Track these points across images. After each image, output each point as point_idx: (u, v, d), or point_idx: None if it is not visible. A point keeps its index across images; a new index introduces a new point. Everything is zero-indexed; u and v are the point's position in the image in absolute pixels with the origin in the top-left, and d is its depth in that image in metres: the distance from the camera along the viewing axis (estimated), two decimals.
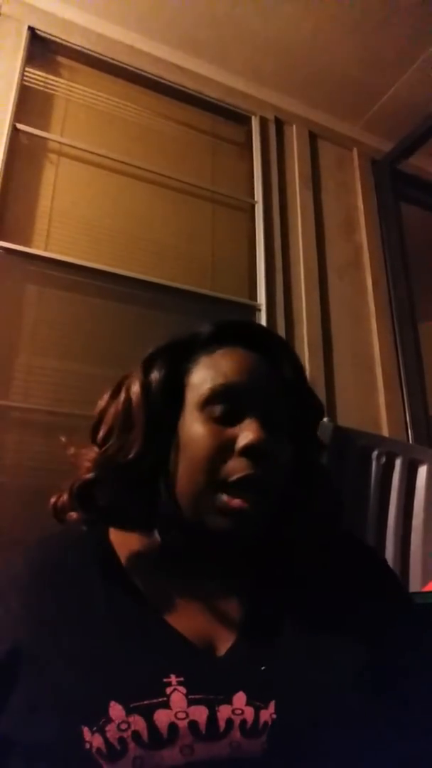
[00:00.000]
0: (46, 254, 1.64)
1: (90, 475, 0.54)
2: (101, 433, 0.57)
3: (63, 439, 0.58)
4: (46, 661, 0.46)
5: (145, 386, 0.55)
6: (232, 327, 0.59)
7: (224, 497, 0.50)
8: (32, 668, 0.46)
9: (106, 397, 0.59)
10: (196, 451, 0.52)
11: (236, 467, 0.51)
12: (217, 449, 0.52)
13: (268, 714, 0.42)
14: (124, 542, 0.56)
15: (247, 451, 0.51)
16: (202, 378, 0.55)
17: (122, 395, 0.57)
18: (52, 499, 0.57)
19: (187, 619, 0.50)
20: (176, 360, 0.57)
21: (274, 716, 0.42)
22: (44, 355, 1.56)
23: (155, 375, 0.56)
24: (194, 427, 0.53)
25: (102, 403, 0.59)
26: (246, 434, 0.51)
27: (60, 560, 0.55)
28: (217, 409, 0.53)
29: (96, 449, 0.56)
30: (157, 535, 0.53)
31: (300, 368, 0.59)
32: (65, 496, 0.56)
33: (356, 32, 2.00)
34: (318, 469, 0.61)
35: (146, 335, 1.67)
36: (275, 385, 0.56)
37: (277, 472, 0.53)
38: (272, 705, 0.43)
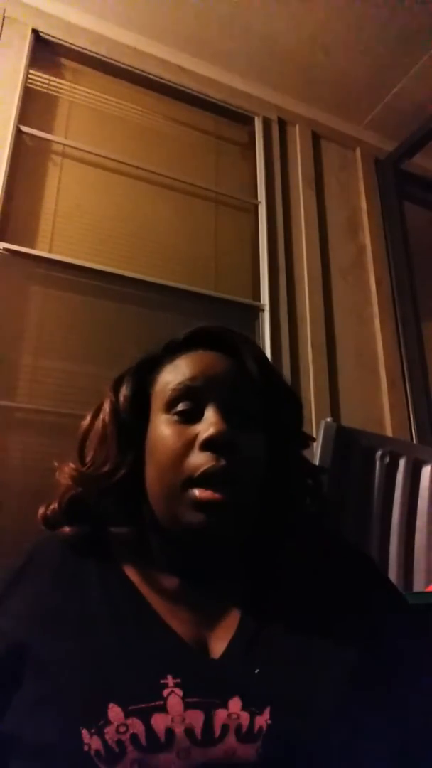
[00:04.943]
0: (51, 256, 1.65)
1: (74, 491, 0.57)
2: (84, 452, 0.60)
3: (56, 463, 0.60)
4: (49, 660, 0.46)
5: (114, 404, 0.59)
6: (194, 333, 0.61)
7: (196, 492, 0.51)
8: (35, 667, 0.46)
9: (88, 418, 0.61)
10: (162, 452, 0.54)
11: (200, 461, 0.51)
12: (181, 447, 0.53)
13: (263, 720, 0.42)
14: (122, 545, 0.57)
15: (208, 444, 0.51)
16: (165, 382, 0.58)
17: (99, 415, 0.60)
18: (41, 510, 0.58)
19: (183, 622, 0.50)
20: (143, 375, 0.61)
21: (270, 722, 0.42)
22: (49, 357, 1.57)
23: (124, 392, 0.60)
24: (159, 430, 0.55)
25: (84, 423, 0.61)
26: (206, 428, 0.52)
27: (60, 559, 0.56)
28: (180, 408, 0.55)
29: (72, 465, 0.58)
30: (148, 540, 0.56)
31: (263, 361, 0.59)
32: (55, 506, 0.58)
33: (359, 32, 2.00)
34: (302, 466, 0.60)
35: (150, 336, 1.67)
36: (239, 380, 0.57)
37: (248, 463, 0.53)
38: (267, 711, 0.43)
